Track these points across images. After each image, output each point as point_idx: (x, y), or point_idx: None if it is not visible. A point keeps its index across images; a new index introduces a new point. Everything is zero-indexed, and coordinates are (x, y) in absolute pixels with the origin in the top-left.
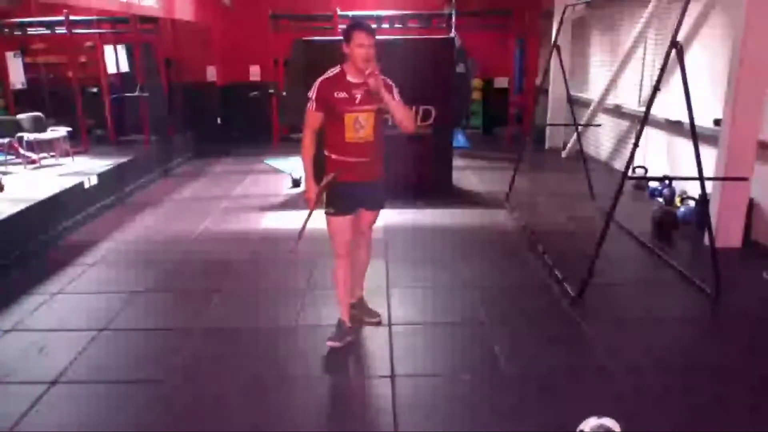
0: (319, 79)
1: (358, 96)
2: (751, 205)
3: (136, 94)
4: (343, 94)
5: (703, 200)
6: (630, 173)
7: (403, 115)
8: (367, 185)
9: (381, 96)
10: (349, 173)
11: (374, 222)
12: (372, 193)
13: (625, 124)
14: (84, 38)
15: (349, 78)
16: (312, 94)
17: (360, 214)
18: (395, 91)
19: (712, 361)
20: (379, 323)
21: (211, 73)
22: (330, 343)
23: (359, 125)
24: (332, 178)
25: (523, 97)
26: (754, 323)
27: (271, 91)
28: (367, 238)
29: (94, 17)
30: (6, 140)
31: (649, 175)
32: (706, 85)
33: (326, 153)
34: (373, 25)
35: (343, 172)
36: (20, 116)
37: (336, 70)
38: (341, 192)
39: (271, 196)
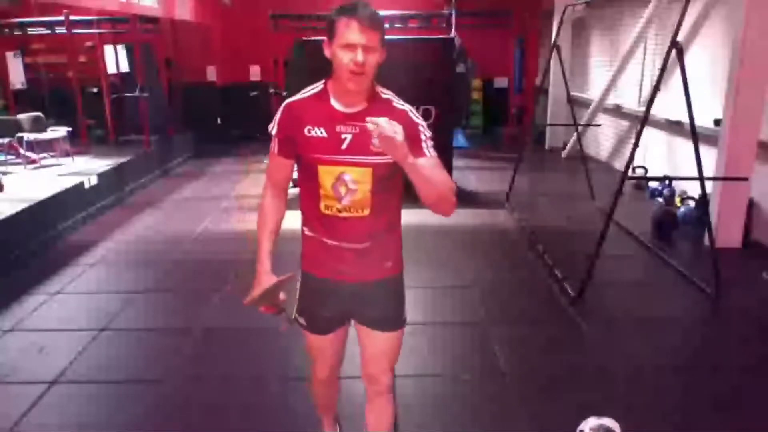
0: (287, 101)
1: (347, 137)
2: (751, 205)
3: (136, 94)
4: (318, 131)
5: (703, 200)
6: (630, 173)
7: (438, 190)
8: (362, 288)
9: (398, 153)
10: (328, 265)
11: (390, 358)
12: (372, 302)
13: (625, 124)
14: (84, 38)
15: (334, 103)
16: (273, 126)
17: (360, 337)
18: (425, 136)
19: (712, 361)
20: None
21: (211, 73)
22: None
23: (345, 187)
24: (285, 281)
25: (523, 97)
26: (754, 323)
27: (272, 90)
28: (380, 387)
29: (94, 17)
30: (6, 140)
31: (649, 175)
32: (706, 85)
33: (301, 225)
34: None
35: (320, 262)
36: (20, 116)
37: (317, 87)
38: (316, 295)
39: None
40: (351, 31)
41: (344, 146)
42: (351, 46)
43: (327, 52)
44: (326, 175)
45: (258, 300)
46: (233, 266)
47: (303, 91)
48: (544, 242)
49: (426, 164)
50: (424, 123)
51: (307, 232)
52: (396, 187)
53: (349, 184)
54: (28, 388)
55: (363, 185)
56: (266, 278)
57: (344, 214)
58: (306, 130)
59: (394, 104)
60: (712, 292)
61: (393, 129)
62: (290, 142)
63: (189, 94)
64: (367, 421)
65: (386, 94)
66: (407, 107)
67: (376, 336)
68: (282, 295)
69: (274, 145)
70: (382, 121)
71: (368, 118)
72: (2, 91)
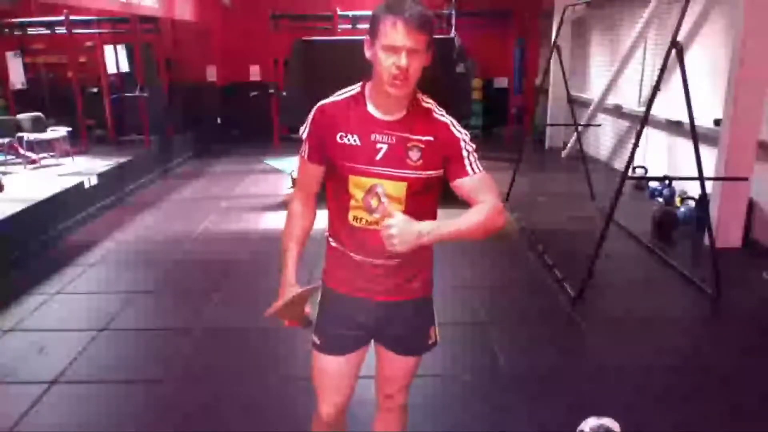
0: (320, 104)
1: (382, 147)
2: (751, 205)
3: (136, 94)
4: (351, 139)
5: (703, 200)
6: (630, 173)
7: (483, 230)
8: (387, 308)
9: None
10: (352, 281)
11: (408, 379)
12: (396, 324)
13: (625, 124)
14: (84, 38)
15: (371, 108)
16: (304, 129)
17: (379, 357)
18: (467, 151)
19: (712, 361)
20: None
21: (211, 73)
22: None
23: (377, 200)
24: (310, 291)
25: (523, 97)
26: (754, 323)
27: (271, 91)
28: (395, 404)
29: (94, 17)
30: (6, 140)
31: (649, 175)
32: (706, 85)
33: (326, 234)
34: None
35: (344, 277)
36: (20, 116)
37: (353, 89)
38: (336, 311)
39: (271, 196)
40: (396, 33)
41: (379, 157)
42: (395, 49)
43: (367, 53)
44: (357, 185)
45: (281, 312)
46: (233, 266)
47: (337, 93)
48: (544, 242)
49: (469, 183)
50: (467, 136)
51: (332, 243)
52: (431, 203)
53: (381, 197)
54: (28, 388)
55: (399, 197)
56: (290, 289)
57: (374, 227)
58: (338, 137)
59: (435, 115)
60: (712, 292)
61: (389, 233)
62: (322, 147)
63: (189, 94)
64: (377, 424)
65: (427, 102)
66: (448, 119)
67: (398, 359)
68: (307, 308)
69: (305, 150)
70: (387, 228)
71: (383, 224)
72: (2, 91)
